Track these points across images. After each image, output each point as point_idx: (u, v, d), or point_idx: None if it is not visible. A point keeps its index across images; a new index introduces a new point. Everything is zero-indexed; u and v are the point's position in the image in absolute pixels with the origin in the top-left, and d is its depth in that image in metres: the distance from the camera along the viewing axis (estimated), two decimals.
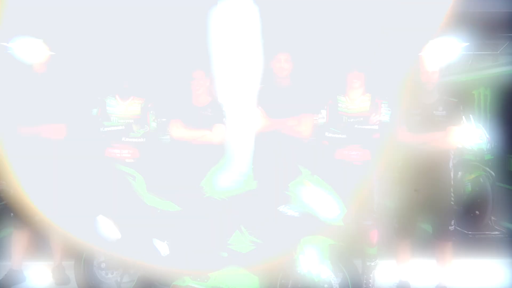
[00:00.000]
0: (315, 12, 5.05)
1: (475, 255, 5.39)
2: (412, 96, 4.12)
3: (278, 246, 3.45)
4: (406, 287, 4.21)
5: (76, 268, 4.00)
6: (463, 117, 3.98)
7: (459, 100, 3.93)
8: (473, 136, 6.69)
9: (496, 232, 6.40)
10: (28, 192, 4.20)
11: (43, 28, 4.52)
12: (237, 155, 4.39)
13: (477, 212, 6.54)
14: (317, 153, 4.08)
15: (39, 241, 4.82)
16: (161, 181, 4.12)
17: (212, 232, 3.63)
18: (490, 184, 6.40)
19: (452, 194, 3.99)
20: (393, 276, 4.37)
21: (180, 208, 3.76)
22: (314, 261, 3.35)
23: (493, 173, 6.63)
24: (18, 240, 4.49)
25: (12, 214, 4.44)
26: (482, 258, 5.25)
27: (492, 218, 6.69)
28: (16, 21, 4.48)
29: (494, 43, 8.13)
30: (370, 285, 4.19)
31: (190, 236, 3.68)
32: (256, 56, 4.72)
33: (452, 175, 4.00)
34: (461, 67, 10.92)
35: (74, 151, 4.23)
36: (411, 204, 4.02)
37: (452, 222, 3.98)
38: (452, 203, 3.98)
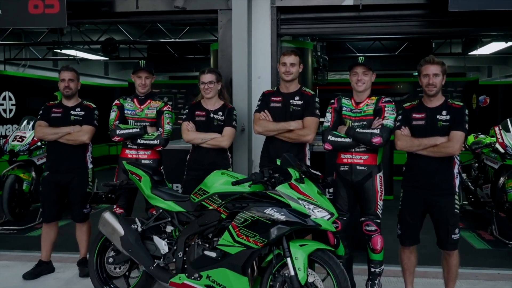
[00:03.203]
0: None
1: None
2: (416, 100, 4.02)
3: (266, 248, 3.49)
4: None
5: (90, 262, 4.26)
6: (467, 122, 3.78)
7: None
8: None
9: None
10: None
11: None
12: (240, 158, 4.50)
13: None
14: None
15: (67, 235, 5.17)
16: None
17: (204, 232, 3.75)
18: None
19: (457, 202, 3.82)
20: (399, 284, 4.27)
21: (181, 208, 3.90)
22: (301, 264, 3.35)
23: None
24: (47, 233, 4.85)
25: (41, 209, 4.82)
26: None
27: None
28: None
29: None
30: None
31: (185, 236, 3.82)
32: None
33: (457, 181, 3.82)
34: None
35: None
36: (415, 211, 3.90)
37: (457, 231, 3.80)
38: (457, 211, 3.80)
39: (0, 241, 6.22)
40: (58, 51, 10.67)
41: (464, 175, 7.65)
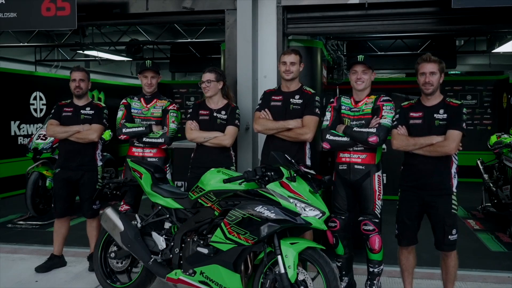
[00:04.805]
0: None
1: None
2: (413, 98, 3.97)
3: (259, 246, 3.52)
4: None
5: (94, 256, 4.38)
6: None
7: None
8: None
9: None
10: None
11: None
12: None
13: None
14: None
15: (84, 230, 5.33)
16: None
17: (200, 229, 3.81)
18: None
19: (454, 202, 3.74)
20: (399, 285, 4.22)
21: (179, 205, 3.98)
22: (291, 262, 3.36)
23: None
24: (59, 228, 5.01)
25: (52, 205, 4.99)
26: None
27: None
28: None
29: None
30: None
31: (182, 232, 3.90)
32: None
33: (455, 182, 3.74)
34: None
35: None
36: (412, 211, 3.85)
37: (454, 231, 3.73)
38: (454, 211, 3.73)
39: (22, 235, 6.48)
40: (86, 52, 10.97)
41: (486, 176, 7.47)
